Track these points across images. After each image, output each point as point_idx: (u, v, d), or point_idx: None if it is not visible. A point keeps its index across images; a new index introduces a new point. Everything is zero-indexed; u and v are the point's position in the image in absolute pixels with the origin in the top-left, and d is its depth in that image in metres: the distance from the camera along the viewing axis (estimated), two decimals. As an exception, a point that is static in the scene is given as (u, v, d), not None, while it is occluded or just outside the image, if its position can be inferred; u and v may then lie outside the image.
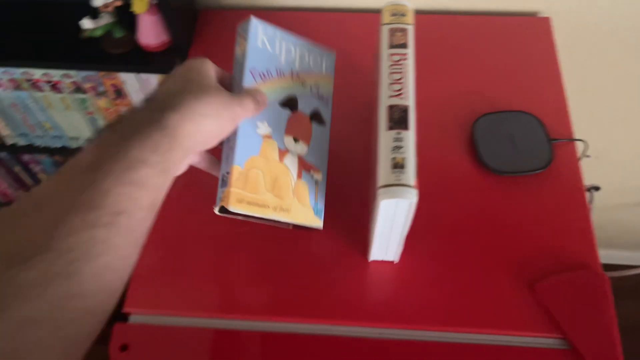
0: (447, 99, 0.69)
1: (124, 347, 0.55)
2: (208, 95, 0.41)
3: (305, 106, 0.53)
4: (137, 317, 0.57)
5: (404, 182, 0.45)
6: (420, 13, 0.78)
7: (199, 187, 0.62)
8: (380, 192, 0.45)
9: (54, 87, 0.80)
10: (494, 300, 0.55)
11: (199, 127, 0.40)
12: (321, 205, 0.53)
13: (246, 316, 0.56)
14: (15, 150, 0.98)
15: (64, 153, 0.97)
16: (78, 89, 0.80)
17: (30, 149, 0.97)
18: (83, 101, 0.83)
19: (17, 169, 1.04)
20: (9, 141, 0.96)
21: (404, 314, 0.55)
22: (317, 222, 0.52)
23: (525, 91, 0.69)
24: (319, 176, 0.53)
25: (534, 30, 0.77)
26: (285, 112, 0.51)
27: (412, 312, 0.55)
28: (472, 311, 0.55)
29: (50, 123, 0.90)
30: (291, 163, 0.51)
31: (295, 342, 0.54)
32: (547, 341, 0.53)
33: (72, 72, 0.77)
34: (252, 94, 0.47)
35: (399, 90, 0.51)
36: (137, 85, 0.79)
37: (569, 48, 0.79)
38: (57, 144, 0.95)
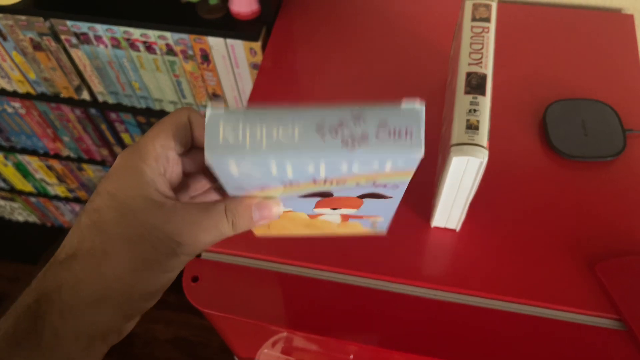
0: (523, 83, 0.70)
1: (195, 279, 0.59)
2: (119, 254, 0.28)
3: (349, 193, 0.32)
4: (207, 254, 0.61)
5: (476, 141, 0.48)
6: (503, 2, 0.79)
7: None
8: (453, 149, 0.48)
9: (149, 48, 0.87)
10: (552, 275, 0.56)
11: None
12: (382, 226, 0.40)
13: (308, 264, 0.59)
14: (104, 107, 1.06)
15: (147, 114, 1.05)
16: (170, 51, 0.87)
17: (118, 107, 1.05)
18: (172, 64, 0.90)
19: (103, 126, 1.13)
20: (100, 98, 1.05)
21: (460, 280, 0.56)
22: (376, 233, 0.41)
23: (602, 82, 0.69)
24: (378, 219, 0.39)
25: (617, 26, 0.76)
26: (312, 200, 0.33)
27: (468, 278, 0.56)
28: (528, 284, 0.56)
29: (139, 84, 0.97)
30: (331, 218, 0.37)
31: (353, 293, 0.57)
32: (601, 321, 0.53)
33: (167, 34, 0.83)
34: (239, 214, 0.31)
35: (479, 59, 0.53)
36: (223, 51, 0.84)
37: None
38: (142, 104, 1.03)
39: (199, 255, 0.62)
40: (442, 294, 0.56)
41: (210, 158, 0.26)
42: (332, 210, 0.36)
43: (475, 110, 0.49)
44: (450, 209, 0.56)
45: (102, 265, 0.28)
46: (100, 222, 0.29)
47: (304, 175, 0.28)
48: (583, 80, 0.70)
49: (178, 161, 0.32)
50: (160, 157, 0.30)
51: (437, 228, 0.60)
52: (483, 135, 0.48)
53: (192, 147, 0.33)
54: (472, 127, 0.48)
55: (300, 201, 0.33)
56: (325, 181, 0.29)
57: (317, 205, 0.34)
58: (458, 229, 0.59)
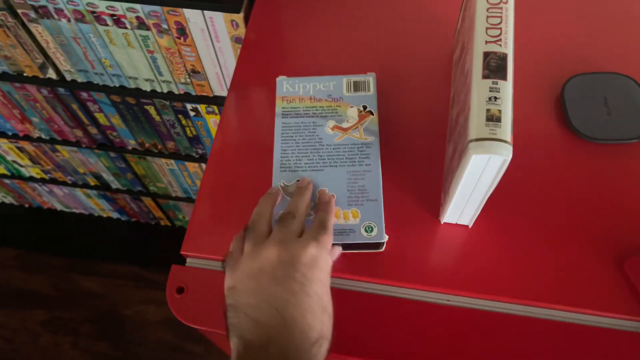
0: (538, 54, 0.63)
1: (180, 290, 0.53)
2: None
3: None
4: (194, 261, 0.55)
5: (499, 136, 0.41)
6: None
7: (258, 137, 0.60)
8: (472, 145, 0.41)
9: (118, 21, 0.78)
10: (575, 275, 0.51)
11: None
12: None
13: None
14: (73, 86, 0.97)
15: (122, 93, 0.96)
16: (141, 24, 0.78)
17: (89, 86, 0.96)
18: (145, 39, 0.81)
19: (75, 106, 1.04)
20: (69, 77, 0.96)
21: (475, 282, 0.51)
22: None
23: (626, 53, 0.62)
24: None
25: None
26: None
27: (484, 281, 0.51)
28: (550, 285, 0.50)
29: (110, 61, 0.88)
30: None
31: (354, 300, 0.52)
32: (632, 324, 0.49)
33: (136, 6, 0.74)
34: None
35: (498, 36, 0.45)
36: (202, 24, 0.75)
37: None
38: (116, 82, 0.94)
39: (184, 262, 0.55)
40: (456, 298, 0.51)
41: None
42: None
43: (496, 98, 0.43)
44: (464, 206, 0.50)
45: None
46: None
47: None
48: (606, 51, 0.63)
49: None
50: None
51: (447, 224, 0.54)
52: (506, 128, 0.41)
53: None
54: (494, 118, 0.42)
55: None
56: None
57: None
58: (471, 226, 0.53)
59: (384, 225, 0.51)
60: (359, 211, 0.51)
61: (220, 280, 0.54)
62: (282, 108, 0.57)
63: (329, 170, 0.54)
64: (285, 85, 0.59)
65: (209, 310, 0.52)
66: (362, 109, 0.57)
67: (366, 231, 0.51)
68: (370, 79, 0.59)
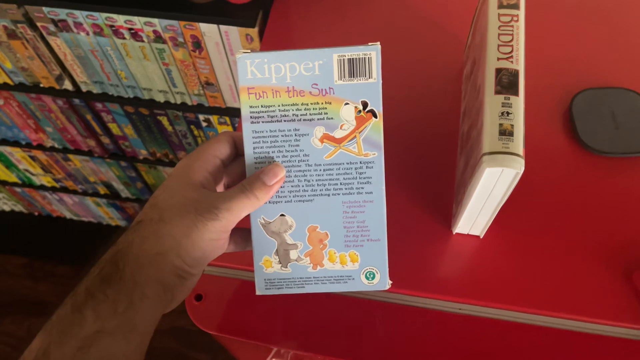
0: (547, 68, 0.64)
1: (198, 297, 0.55)
2: (172, 219, 0.36)
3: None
4: (212, 269, 0.56)
5: (512, 150, 0.43)
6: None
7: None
8: (485, 159, 0.43)
9: (135, 35, 0.80)
10: (585, 285, 0.52)
11: (166, 264, 0.36)
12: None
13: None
14: (88, 97, 0.99)
15: (136, 104, 0.98)
16: (158, 38, 0.80)
17: (104, 97, 0.98)
18: (161, 51, 0.83)
19: (89, 117, 1.06)
20: (84, 88, 0.98)
21: (486, 291, 0.52)
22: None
23: (634, 68, 0.64)
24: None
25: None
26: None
27: (495, 290, 0.52)
28: (560, 295, 0.52)
29: (126, 73, 0.90)
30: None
31: (368, 309, 0.53)
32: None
33: (154, 20, 0.76)
34: (252, 181, 0.39)
35: (509, 53, 0.47)
36: (217, 38, 0.77)
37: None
38: (130, 94, 0.96)
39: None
40: (467, 307, 0.52)
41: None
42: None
43: (508, 113, 0.44)
44: (476, 217, 0.51)
45: (160, 228, 0.36)
46: (156, 201, 0.38)
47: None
48: (613, 66, 0.64)
49: (222, 169, 0.42)
50: (210, 161, 0.40)
51: (459, 234, 0.55)
52: (518, 142, 0.43)
53: (232, 162, 0.43)
54: (506, 132, 0.43)
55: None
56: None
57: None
58: (482, 236, 0.55)
59: (387, 270, 0.43)
60: (358, 254, 0.42)
61: (237, 287, 0.55)
62: (250, 108, 0.40)
63: (320, 200, 0.41)
64: (250, 67, 0.40)
65: (227, 317, 0.54)
66: (360, 107, 0.40)
67: (367, 278, 0.43)
68: (372, 54, 0.39)
